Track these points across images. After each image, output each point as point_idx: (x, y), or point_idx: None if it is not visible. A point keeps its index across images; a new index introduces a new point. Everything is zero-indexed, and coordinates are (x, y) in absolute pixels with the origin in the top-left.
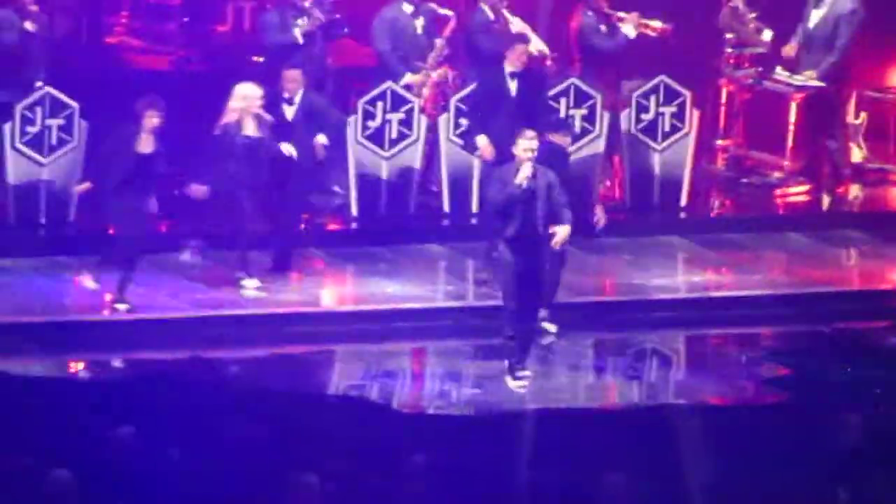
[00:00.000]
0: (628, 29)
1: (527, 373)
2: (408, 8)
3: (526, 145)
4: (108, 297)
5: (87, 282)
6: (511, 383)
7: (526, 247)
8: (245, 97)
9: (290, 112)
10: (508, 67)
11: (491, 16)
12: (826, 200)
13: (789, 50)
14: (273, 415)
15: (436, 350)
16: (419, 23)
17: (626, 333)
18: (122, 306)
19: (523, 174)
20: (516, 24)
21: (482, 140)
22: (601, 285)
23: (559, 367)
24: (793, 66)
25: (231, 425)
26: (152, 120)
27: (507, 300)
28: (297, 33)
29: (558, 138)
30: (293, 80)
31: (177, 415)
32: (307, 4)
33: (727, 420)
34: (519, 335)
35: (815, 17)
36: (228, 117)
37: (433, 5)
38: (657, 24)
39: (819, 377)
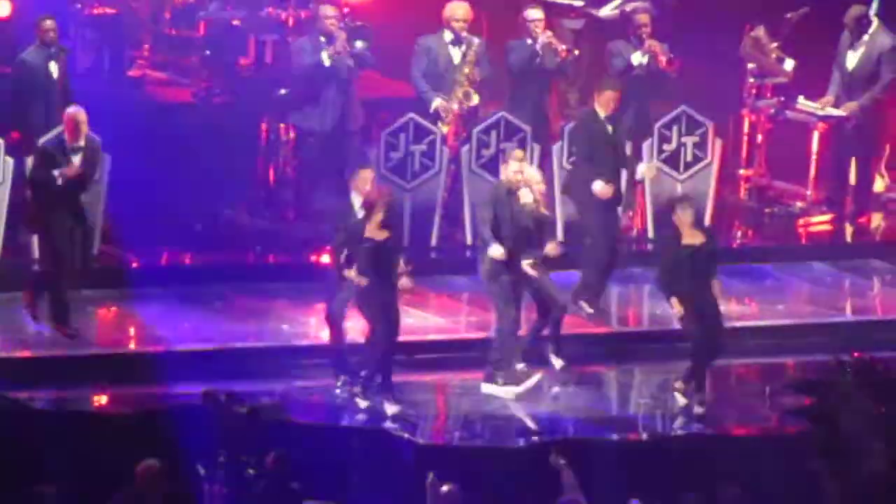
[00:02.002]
0: (636, 56)
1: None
2: (447, 36)
3: (516, 167)
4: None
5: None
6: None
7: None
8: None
9: None
10: (601, 112)
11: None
12: (849, 230)
13: (827, 102)
14: (298, 445)
15: (460, 382)
16: (456, 52)
17: (649, 364)
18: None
19: (526, 198)
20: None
21: (599, 185)
22: (624, 315)
23: (582, 398)
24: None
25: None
26: None
27: (503, 321)
28: (325, 56)
29: None
30: None
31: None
32: (333, 27)
33: (751, 450)
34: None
35: (853, 58)
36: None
37: (475, 39)
38: (664, 56)
39: (842, 407)
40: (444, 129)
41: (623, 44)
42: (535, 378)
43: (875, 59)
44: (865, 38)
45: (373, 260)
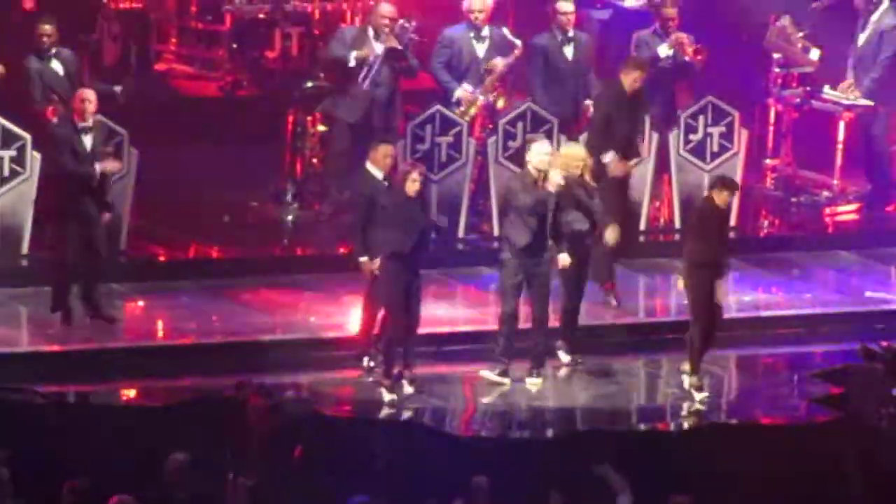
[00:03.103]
0: (662, 48)
1: (538, 380)
2: (469, 29)
3: (546, 149)
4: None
5: None
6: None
7: (535, 256)
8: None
9: None
10: (627, 88)
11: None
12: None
13: (846, 86)
14: (327, 437)
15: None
16: (482, 46)
17: (677, 353)
18: None
19: (555, 180)
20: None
21: (611, 155)
22: (652, 305)
23: (609, 386)
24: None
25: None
26: None
27: (506, 304)
28: (352, 56)
29: None
30: None
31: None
32: (387, 29)
33: (779, 439)
34: (532, 344)
35: (861, 39)
36: None
37: (505, 30)
38: (691, 47)
39: (870, 396)
40: (465, 119)
41: (649, 35)
42: (507, 382)
43: (876, 38)
44: (874, 17)
45: (402, 223)
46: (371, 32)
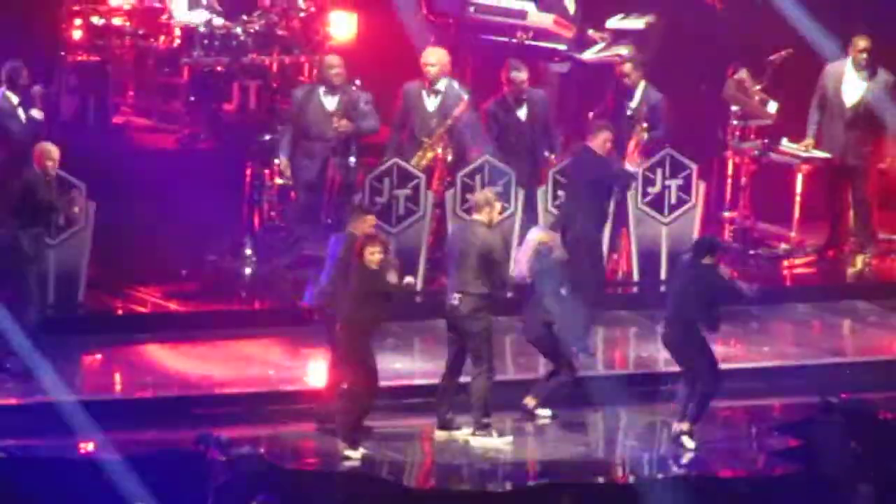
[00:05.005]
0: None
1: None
2: (421, 84)
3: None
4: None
5: None
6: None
7: None
8: None
9: None
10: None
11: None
12: (832, 272)
13: (808, 146)
14: (283, 490)
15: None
16: (433, 101)
17: (635, 406)
18: None
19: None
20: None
21: None
22: (610, 358)
23: (567, 441)
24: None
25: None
26: None
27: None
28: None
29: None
30: None
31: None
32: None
33: (737, 492)
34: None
35: (852, 95)
36: None
37: (454, 83)
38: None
39: (829, 448)
40: (418, 169)
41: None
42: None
43: (880, 94)
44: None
45: (365, 289)
46: (322, 89)
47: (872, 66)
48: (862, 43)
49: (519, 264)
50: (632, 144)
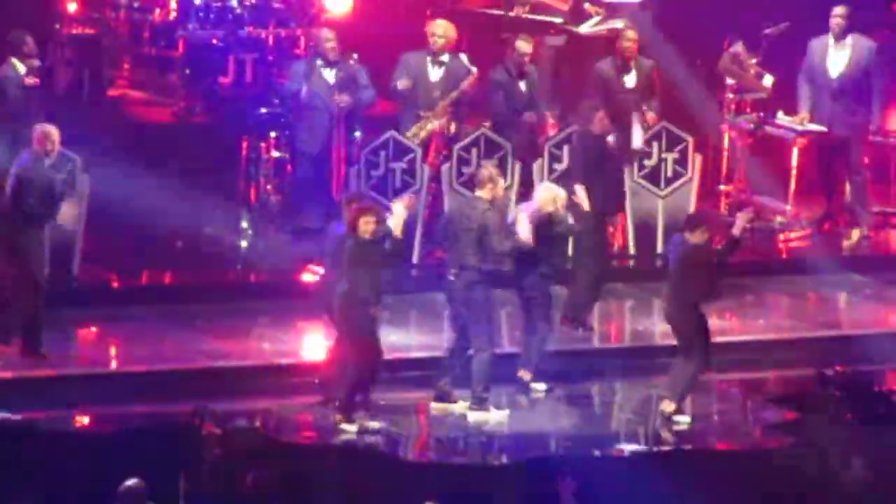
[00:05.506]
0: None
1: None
2: (426, 54)
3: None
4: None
5: None
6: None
7: None
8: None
9: None
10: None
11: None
12: (828, 245)
13: (803, 119)
14: (279, 464)
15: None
16: (437, 71)
17: (631, 379)
18: None
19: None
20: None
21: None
22: (606, 332)
23: (565, 414)
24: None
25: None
26: None
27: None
28: (304, 91)
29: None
30: None
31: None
32: (332, 52)
33: (734, 465)
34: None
35: (836, 66)
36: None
37: (462, 57)
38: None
39: (825, 420)
40: (416, 143)
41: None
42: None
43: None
44: (848, 40)
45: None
46: (319, 62)
47: (847, 32)
48: (837, 9)
49: (522, 223)
50: (636, 125)
